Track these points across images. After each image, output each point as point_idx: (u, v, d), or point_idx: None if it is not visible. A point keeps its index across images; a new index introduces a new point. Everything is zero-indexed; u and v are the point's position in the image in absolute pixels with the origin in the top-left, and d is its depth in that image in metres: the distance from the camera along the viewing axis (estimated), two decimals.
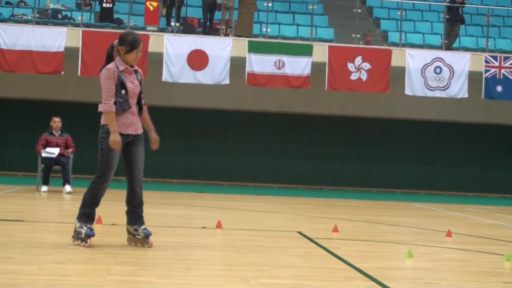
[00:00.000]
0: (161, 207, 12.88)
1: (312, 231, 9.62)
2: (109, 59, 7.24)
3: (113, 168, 7.19)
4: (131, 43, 7.08)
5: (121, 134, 7.11)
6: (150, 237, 7.31)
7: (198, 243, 7.86)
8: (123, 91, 7.07)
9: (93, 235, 7.16)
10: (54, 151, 14.63)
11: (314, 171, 22.30)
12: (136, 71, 7.27)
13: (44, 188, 14.56)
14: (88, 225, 7.18)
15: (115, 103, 7.04)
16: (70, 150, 14.88)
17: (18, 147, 21.32)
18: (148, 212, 11.72)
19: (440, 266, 7.19)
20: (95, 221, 7.31)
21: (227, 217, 11.12)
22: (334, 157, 22.33)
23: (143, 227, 7.32)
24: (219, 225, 9.46)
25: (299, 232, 9.38)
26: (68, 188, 14.53)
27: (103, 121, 7.19)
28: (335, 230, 9.58)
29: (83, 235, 7.14)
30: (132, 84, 7.15)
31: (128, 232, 7.40)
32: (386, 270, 6.78)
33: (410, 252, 7.40)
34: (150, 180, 21.05)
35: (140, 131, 7.26)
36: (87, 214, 7.20)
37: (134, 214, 7.34)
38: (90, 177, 20.67)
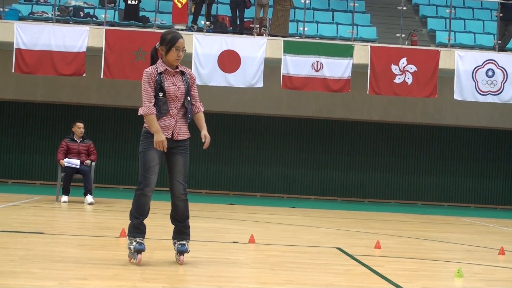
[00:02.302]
0: (190, 220, 12.92)
1: (352, 247, 9.60)
2: (152, 61, 7.34)
3: (152, 171, 7.19)
4: (170, 41, 7.18)
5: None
6: (184, 254, 7.34)
7: (229, 259, 7.90)
8: (160, 94, 7.15)
9: (143, 250, 7.20)
10: (75, 163, 14.77)
11: (354, 182, 22.23)
12: (182, 73, 7.32)
13: (65, 198, 14.69)
14: (138, 239, 7.23)
15: (155, 105, 7.14)
16: (88, 162, 14.99)
17: (36, 154, 21.57)
18: None
19: (492, 286, 7.15)
20: (145, 233, 7.33)
21: (261, 231, 11.15)
22: (376, 167, 22.24)
23: (180, 242, 7.36)
24: (252, 240, 9.48)
25: (338, 248, 9.37)
26: (90, 198, 14.65)
27: (145, 124, 7.29)
28: (378, 246, 9.55)
29: (132, 250, 7.22)
30: (174, 86, 7.22)
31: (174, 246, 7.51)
32: None
33: (460, 271, 7.37)
34: None
35: (180, 137, 7.30)
36: (135, 226, 7.27)
37: (176, 228, 7.45)
38: (113, 186, 21.07)
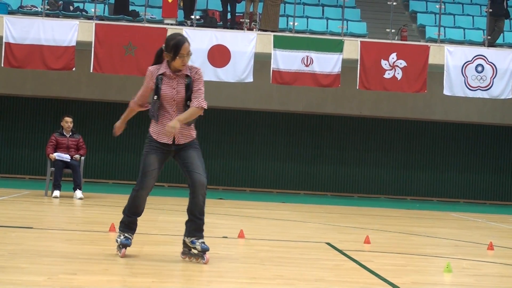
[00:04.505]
0: (179, 215, 12.92)
1: (342, 242, 9.62)
2: (157, 60, 7.21)
3: (150, 175, 7.22)
4: (172, 49, 6.99)
5: (158, 143, 7.17)
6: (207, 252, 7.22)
7: (219, 254, 7.90)
8: (155, 97, 7.07)
9: (128, 245, 7.20)
10: (65, 157, 14.74)
11: (344, 177, 22.26)
12: (187, 76, 7.10)
13: (56, 193, 14.58)
14: (126, 234, 7.23)
15: (150, 108, 7.11)
16: (77, 156, 14.95)
17: (26, 148, 21.51)
18: (165, 219, 11.83)
19: (480, 281, 7.17)
20: (135, 231, 7.32)
21: (250, 226, 11.16)
22: (366, 162, 22.27)
23: (201, 240, 7.23)
24: (241, 235, 9.49)
25: (328, 243, 9.39)
26: (79, 193, 14.61)
27: (150, 129, 7.28)
28: (367, 241, 9.57)
29: (118, 243, 7.23)
30: (172, 90, 7.06)
31: (184, 244, 7.33)
32: (422, 285, 6.78)
33: (448, 266, 7.39)
34: (166, 185, 21.13)
35: (183, 141, 7.18)
36: (125, 223, 7.28)
37: (194, 225, 7.29)
38: (102, 181, 21.02)
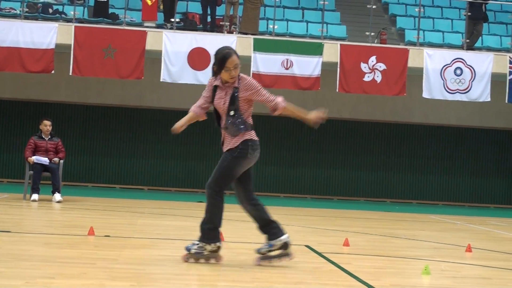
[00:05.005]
0: (159, 218, 12.92)
1: (321, 245, 9.64)
2: (213, 70, 7.47)
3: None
4: (219, 62, 7.29)
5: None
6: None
7: None
8: (212, 107, 7.45)
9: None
10: (44, 160, 14.68)
11: (323, 180, 22.31)
12: (235, 87, 7.36)
13: (35, 196, 14.50)
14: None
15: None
16: (56, 159, 14.89)
17: (4, 152, 21.39)
18: (145, 223, 11.79)
19: (459, 284, 7.21)
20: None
21: (230, 229, 11.13)
22: (346, 164, 22.34)
23: (195, 242, 7.49)
24: (221, 238, 9.46)
25: (307, 246, 9.40)
26: (58, 197, 14.55)
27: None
28: (346, 244, 9.59)
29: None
30: (219, 100, 7.38)
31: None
32: (401, 287, 6.81)
33: (427, 269, 7.42)
34: (146, 188, 21.10)
35: (225, 148, 7.53)
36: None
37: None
38: (81, 184, 20.92)
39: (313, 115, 7.63)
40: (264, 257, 7.47)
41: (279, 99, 7.56)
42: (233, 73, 7.28)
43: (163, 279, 6.46)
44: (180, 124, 7.67)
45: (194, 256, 7.38)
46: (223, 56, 7.27)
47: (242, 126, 7.39)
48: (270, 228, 7.53)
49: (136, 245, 8.62)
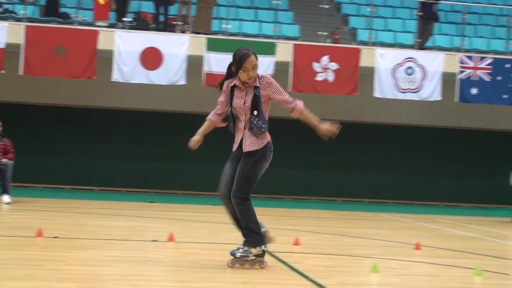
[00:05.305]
0: (108, 218, 12.84)
1: (271, 245, 9.65)
2: (228, 72, 7.49)
3: (221, 180, 7.87)
4: (237, 62, 7.31)
5: (232, 151, 7.77)
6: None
7: (147, 257, 7.87)
8: (230, 107, 7.43)
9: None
10: None
11: (274, 179, 22.26)
12: (255, 87, 7.34)
13: None
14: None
15: (229, 124, 7.57)
16: (5, 160, 14.73)
17: None
18: (94, 223, 11.72)
19: (407, 281, 7.29)
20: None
21: (180, 229, 11.14)
22: (297, 164, 22.39)
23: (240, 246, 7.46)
24: (171, 238, 9.47)
25: None
26: (6, 198, 14.40)
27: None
28: (297, 243, 9.65)
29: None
30: (239, 100, 7.35)
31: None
32: (350, 286, 6.87)
33: (375, 267, 7.49)
34: (97, 189, 20.95)
35: (246, 149, 7.47)
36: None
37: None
38: (31, 185, 20.68)
39: (326, 127, 7.66)
40: (238, 260, 7.43)
41: (299, 102, 7.49)
42: (251, 74, 7.30)
43: (111, 280, 6.44)
44: (197, 139, 7.81)
45: (239, 261, 7.37)
46: (241, 57, 7.30)
47: (264, 125, 7.42)
48: (252, 233, 7.45)
49: (85, 246, 8.56)
